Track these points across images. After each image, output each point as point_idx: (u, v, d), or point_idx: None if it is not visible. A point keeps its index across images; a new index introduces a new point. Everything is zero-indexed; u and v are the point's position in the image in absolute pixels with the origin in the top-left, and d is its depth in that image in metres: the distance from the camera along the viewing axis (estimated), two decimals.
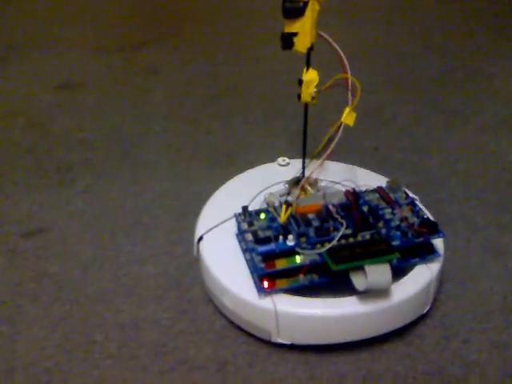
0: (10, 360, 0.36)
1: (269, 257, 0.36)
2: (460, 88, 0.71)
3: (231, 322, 0.38)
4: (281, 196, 0.44)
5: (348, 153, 0.52)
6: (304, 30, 0.37)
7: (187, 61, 0.79)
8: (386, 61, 0.79)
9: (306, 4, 0.36)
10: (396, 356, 0.37)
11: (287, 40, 0.37)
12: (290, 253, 0.36)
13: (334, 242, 0.36)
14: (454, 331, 0.38)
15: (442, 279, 0.41)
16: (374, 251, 0.35)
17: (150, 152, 0.59)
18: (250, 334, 0.38)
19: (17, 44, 0.84)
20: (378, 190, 0.42)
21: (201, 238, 0.41)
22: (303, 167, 0.44)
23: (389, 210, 0.40)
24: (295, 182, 0.45)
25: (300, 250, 0.36)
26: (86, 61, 0.79)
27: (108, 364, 0.36)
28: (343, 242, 0.36)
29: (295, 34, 0.37)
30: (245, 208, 0.41)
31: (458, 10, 0.98)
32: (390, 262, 0.35)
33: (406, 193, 0.42)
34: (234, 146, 0.60)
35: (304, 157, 0.44)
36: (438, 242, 0.39)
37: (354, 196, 0.40)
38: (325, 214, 0.39)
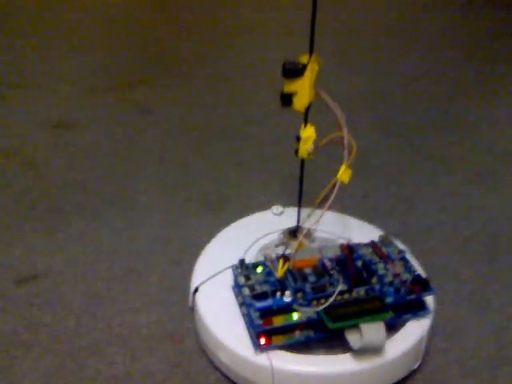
0: None
1: (266, 313, 0.37)
2: (443, 136, 0.74)
3: (226, 376, 0.39)
4: (276, 246, 0.45)
5: (338, 200, 0.54)
6: (303, 90, 0.38)
7: (179, 102, 0.80)
8: (372, 106, 0.81)
9: (305, 66, 0.37)
10: None
11: (286, 99, 0.39)
12: (287, 309, 0.37)
13: (331, 301, 0.37)
14: None
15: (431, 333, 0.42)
16: (369, 310, 0.36)
17: (142, 195, 0.59)
18: None
19: (9, 80, 0.84)
20: (372, 244, 0.43)
21: (196, 290, 0.42)
22: (298, 219, 0.45)
23: (382, 266, 0.41)
24: (290, 233, 0.46)
25: (297, 307, 0.37)
26: (80, 100, 0.79)
27: None
28: (339, 298, 0.37)
29: (294, 94, 0.38)
30: (242, 261, 0.42)
31: (445, 56, 1.01)
32: (383, 320, 0.36)
33: (398, 248, 0.43)
34: (225, 189, 0.61)
35: (299, 209, 0.45)
36: (429, 299, 0.40)
37: (350, 251, 0.41)
38: (321, 269, 0.40)
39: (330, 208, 0.47)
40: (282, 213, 0.50)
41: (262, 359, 0.36)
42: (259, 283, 0.39)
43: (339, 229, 0.47)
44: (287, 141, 0.69)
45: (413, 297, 0.39)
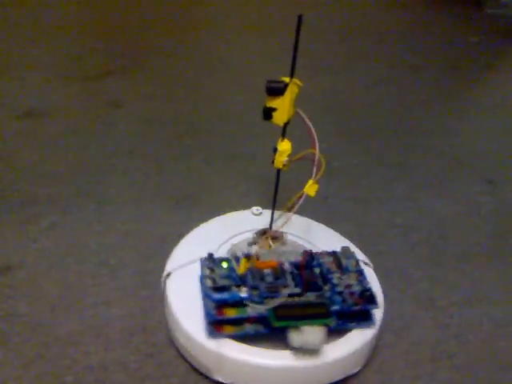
0: None
1: (221, 304, 0.41)
2: (400, 142, 0.79)
3: (194, 368, 0.42)
4: (248, 244, 0.48)
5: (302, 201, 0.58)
6: (282, 107, 0.41)
7: (149, 95, 0.82)
8: (334, 110, 0.85)
9: (286, 86, 0.41)
10: None
11: (267, 113, 0.42)
12: (241, 304, 0.41)
13: (280, 301, 0.40)
14: (390, 377, 0.44)
15: (381, 329, 0.46)
16: (313, 314, 0.40)
17: (113, 190, 0.61)
18: (211, 379, 0.41)
19: None
20: (333, 253, 0.47)
21: (168, 275, 0.46)
22: (271, 223, 0.49)
23: (337, 275, 0.44)
24: (262, 233, 0.49)
25: (250, 303, 0.41)
26: (48, 88, 0.80)
27: None
28: (289, 300, 0.41)
29: (274, 110, 0.42)
30: (210, 254, 0.45)
31: (406, 65, 1.06)
32: (325, 325, 0.40)
33: (357, 261, 0.46)
34: (195, 187, 0.64)
35: (273, 212, 0.49)
36: (376, 312, 0.44)
37: (308, 258, 0.45)
38: (279, 271, 0.44)
39: (296, 212, 0.52)
40: (261, 214, 0.54)
41: (213, 345, 0.40)
42: (221, 277, 0.43)
43: (312, 236, 0.51)
44: (258, 140, 0.73)
45: (357, 308, 0.42)
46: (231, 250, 0.47)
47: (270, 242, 0.47)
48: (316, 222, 0.54)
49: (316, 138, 0.42)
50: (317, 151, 0.42)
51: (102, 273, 0.50)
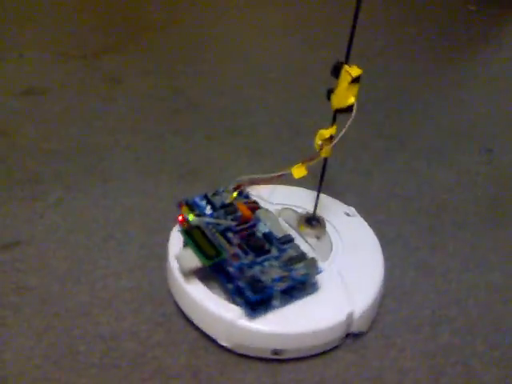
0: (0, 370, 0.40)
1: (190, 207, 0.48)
2: (400, 113, 0.79)
3: (202, 334, 0.44)
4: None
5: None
6: (338, 91, 0.42)
7: (148, 71, 0.82)
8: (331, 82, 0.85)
9: (340, 65, 0.41)
10: (344, 363, 0.43)
11: (328, 94, 0.43)
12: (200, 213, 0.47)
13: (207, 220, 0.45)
14: (392, 341, 0.45)
15: (383, 295, 0.48)
16: (210, 246, 0.43)
17: (117, 165, 0.62)
18: (220, 345, 0.43)
19: None
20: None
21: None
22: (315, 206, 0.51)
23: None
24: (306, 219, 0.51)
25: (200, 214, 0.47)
26: (48, 66, 0.80)
27: (92, 373, 0.40)
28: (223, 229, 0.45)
29: (332, 91, 0.42)
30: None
31: (404, 35, 1.06)
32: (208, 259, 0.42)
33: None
34: (197, 162, 0.64)
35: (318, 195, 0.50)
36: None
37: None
38: (246, 223, 0.46)
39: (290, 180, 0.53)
40: None
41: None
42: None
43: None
44: (258, 114, 0.73)
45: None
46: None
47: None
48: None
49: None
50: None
51: (110, 246, 0.51)
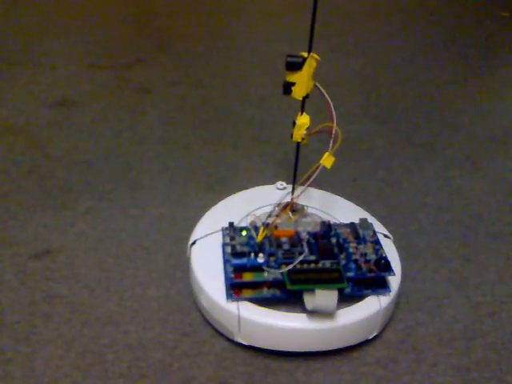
0: (29, 378, 0.40)
1: (240, 269, 0.43)
2: (430, 121, 0.78)
3: (230, 343, 0.43)
4: (268, 217, 0.50)
5: (330, 182, 0.59)
6: (301, 81, 0.43)
7: (177, 82, 0.83)
8: (362, 91, 0.85)
9: (304, 60, 0.41)
10: (375, 379, 0.42)
11: (287, 87, 0.43)
12: (259, 269, 0.43)
13: (294, 265, 0.42)
14: (424, 355, 0.44)
15: (412, 308, 0.47)
16: (327, 278, 0.42)
17: (146, 175, 0.62)
18: (247, 356, 0.42)
19: (8, 58, 0.85)
20: (351, 225, 0.48)
21: (194, 243, 0.48)
22: (292, 194, 0.50)
23: (354, 245, 0.46)
24: (283, 207, 0.50)
25: (266, 268, 0.43)
26: (79, 77, 0.81)
27: (120, 383, 0.40)
28: (305, 266, 0.43)
29: (293, 84, 0.43)
30: (231, 224, 0.48)
31: (436, 42, 1.05)
32: (339, 290, 0.41)
33: (374, 232, 0.47)
34: (224, 171, 0.64)
35: (294, 186, 0.50)
36: (394, 279, 0.45)
37: (325, 228, 0.47)
38: (296, 240, 0.45)
39: (322, 189, 0.53)
40: (285, 188, 0.55)
41: (232, 307, 0.42)
42: (241, 244, 0.45)
43: (332, 208, 0.52)
44: (283, 124, 0.73)
45: (371, 275, 0.44)
46: (250, 220, 0.49)
47: (290, 214, 0.48)
48: (337, 196, 0.55)
49: (334, 110, 0.43)
50: (334, 124, 0.42)
51: (138, 255, 0.52)
